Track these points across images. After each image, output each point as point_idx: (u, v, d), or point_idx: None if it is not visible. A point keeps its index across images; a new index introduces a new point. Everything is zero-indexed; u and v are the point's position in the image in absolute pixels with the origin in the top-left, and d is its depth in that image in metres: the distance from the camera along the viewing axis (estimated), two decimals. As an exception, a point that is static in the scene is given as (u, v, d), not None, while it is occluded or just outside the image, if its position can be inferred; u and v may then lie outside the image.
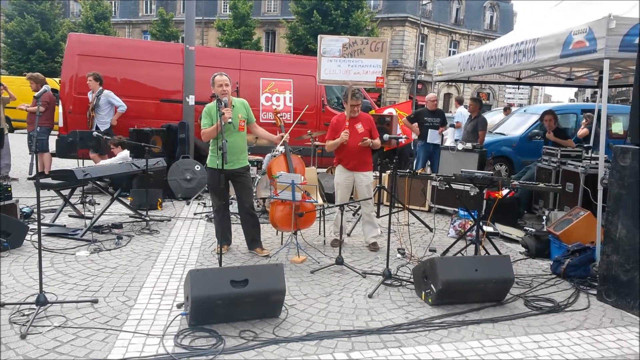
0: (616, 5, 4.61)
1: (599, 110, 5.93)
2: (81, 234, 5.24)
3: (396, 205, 6.54)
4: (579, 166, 6.23)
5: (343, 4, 26.17)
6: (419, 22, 33.20)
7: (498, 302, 3.96)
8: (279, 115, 5.48)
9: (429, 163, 8.66)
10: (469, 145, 7.57)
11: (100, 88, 7.78)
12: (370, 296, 4.00)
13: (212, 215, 5.44)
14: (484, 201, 5.47)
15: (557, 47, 4.88)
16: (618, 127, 9.77)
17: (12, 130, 17.22)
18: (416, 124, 8.55)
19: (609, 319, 3.81)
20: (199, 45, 14.66)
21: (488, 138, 8.93)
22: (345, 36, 6.31)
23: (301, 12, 26.97)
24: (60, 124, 8.24)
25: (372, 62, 5.70)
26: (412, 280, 4.25)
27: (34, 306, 3.33)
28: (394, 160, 6.02)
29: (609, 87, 8.00)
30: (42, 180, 5.67)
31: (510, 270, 3.99)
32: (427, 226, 6.43)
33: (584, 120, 9.14)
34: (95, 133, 6.76)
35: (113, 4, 39.05)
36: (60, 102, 8.23)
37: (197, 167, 7.65)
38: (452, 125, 8.69)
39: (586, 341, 3.41)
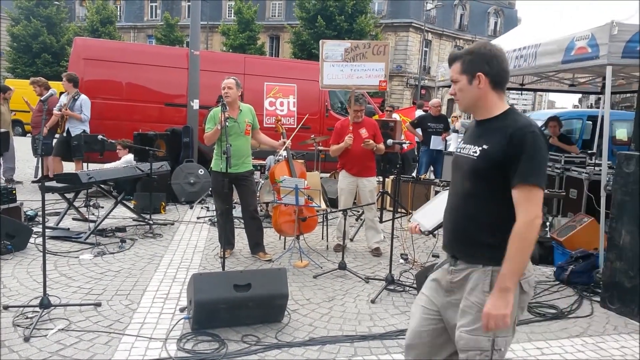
0: (619, 11, 4.61)
1: (602, 117, 5.93)
2: (85, 237, 5.25)
3: (399, 210, 6.54)
4: (583, 172, 6.21)
5: (347, 9, 26.22)
6: (423, 27, 33.26)
7: (501, 308, 3.95)
8: (279, 122, 5.50)
9: (432, 169, 8.65)
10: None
11: (76, 90, 7.64)
12: (373, 301, 3.99)
13: (216, 219, 5.45)
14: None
15: (559, 53, 4.88)
16: (622, 134, 9.74)
17: (24, 134, 17.29)
18: (419, 129, 8.57)
19: (612, 326, 3.80)
20: (204, 49, 14.75)
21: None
22: (347, 41, 6.31)
23: (305, 17, 27.05)
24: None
25: (375, 66, 5.68)
26: (415, 285, 4.24)
27: (37, 309, 3.35)
28: (398, 166, 6.02)
29: (613, 93, 7.98)
30: (46, 184, 5.70)
31: (514, 277, 3.97)
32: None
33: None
34: (100, 137, 6.79)
35: (118, 9, 39.26)
36: None
37: (201, 171, 7.67)
38: (456, 131, 8.67)
39: (589, 348, 3.40)
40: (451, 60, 2.00)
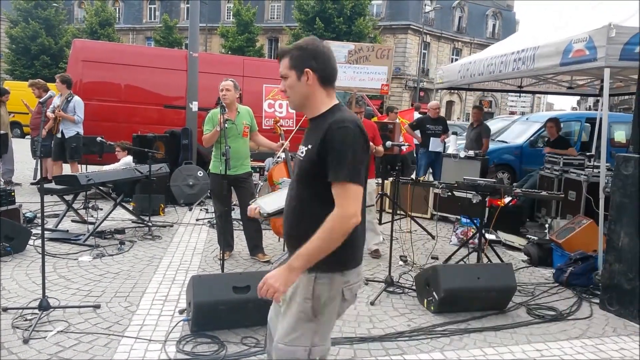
0: (616, 13, 4.63)
1: (601, 119, 5.95)
2: (84, 239, 5.25)
3: (398, 212, 6.54)
4: (582, 174, 6.23)
5: (346, 12, 26.28)
6: (421, 29, 33.32)
7: (500, 310, 3.96)
8: (278, 124, 5.51)
9: (431, 171, 8.66)
10: (471, 152, 7.58)
11: (69, 92, 7.58)
12: (372, 303, 3.99)
13: (215, 221, 5.45)
14: (487, 209, 5.47)
15: (557, 55, 4.89)
16: (621, 136, 9.76)
17: (23, 136, 17.25)
18: (418, 131, 8.58)
19: (611, 328, 3.80)
20: (203, 51, 14.76)
21: (490, 146, 8.94)
22: (351, 43, 6.33)
23: (304, 19, 27.10)
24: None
25: (378, 69, 5.72)
26: (414, 287, 4.24)
27: (36, 311, 3.35)
28: (397, 168, 6.02)
29: (611, 95, 8.02)
30: (45, 185, 5.69)
31: (513, 279, 3.98)
32: (429, 234, 6.43)
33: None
34: (99, 138, 6.78)
35: (117, 10, 39.27)
36: None
37: (200, 173, 7.67)
38: (455, 133, 8.68)
39: (589, 350, 3.41)
40: (280, 55, 1.92)
